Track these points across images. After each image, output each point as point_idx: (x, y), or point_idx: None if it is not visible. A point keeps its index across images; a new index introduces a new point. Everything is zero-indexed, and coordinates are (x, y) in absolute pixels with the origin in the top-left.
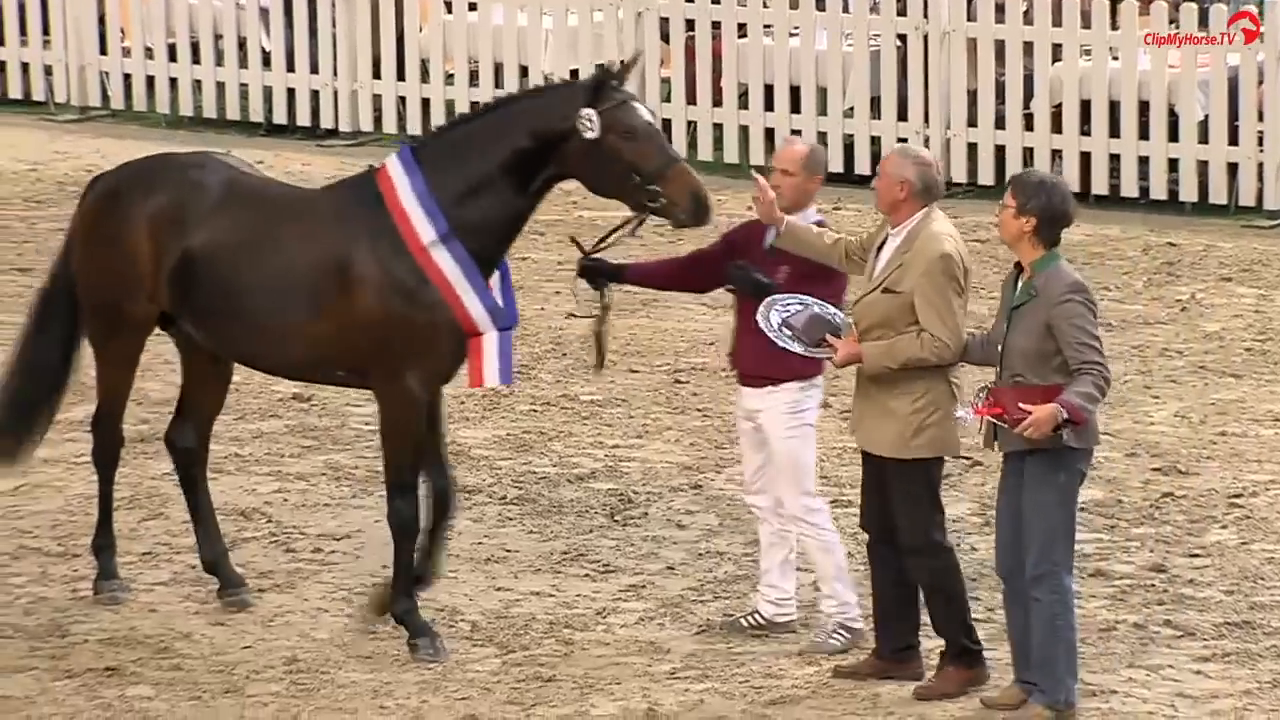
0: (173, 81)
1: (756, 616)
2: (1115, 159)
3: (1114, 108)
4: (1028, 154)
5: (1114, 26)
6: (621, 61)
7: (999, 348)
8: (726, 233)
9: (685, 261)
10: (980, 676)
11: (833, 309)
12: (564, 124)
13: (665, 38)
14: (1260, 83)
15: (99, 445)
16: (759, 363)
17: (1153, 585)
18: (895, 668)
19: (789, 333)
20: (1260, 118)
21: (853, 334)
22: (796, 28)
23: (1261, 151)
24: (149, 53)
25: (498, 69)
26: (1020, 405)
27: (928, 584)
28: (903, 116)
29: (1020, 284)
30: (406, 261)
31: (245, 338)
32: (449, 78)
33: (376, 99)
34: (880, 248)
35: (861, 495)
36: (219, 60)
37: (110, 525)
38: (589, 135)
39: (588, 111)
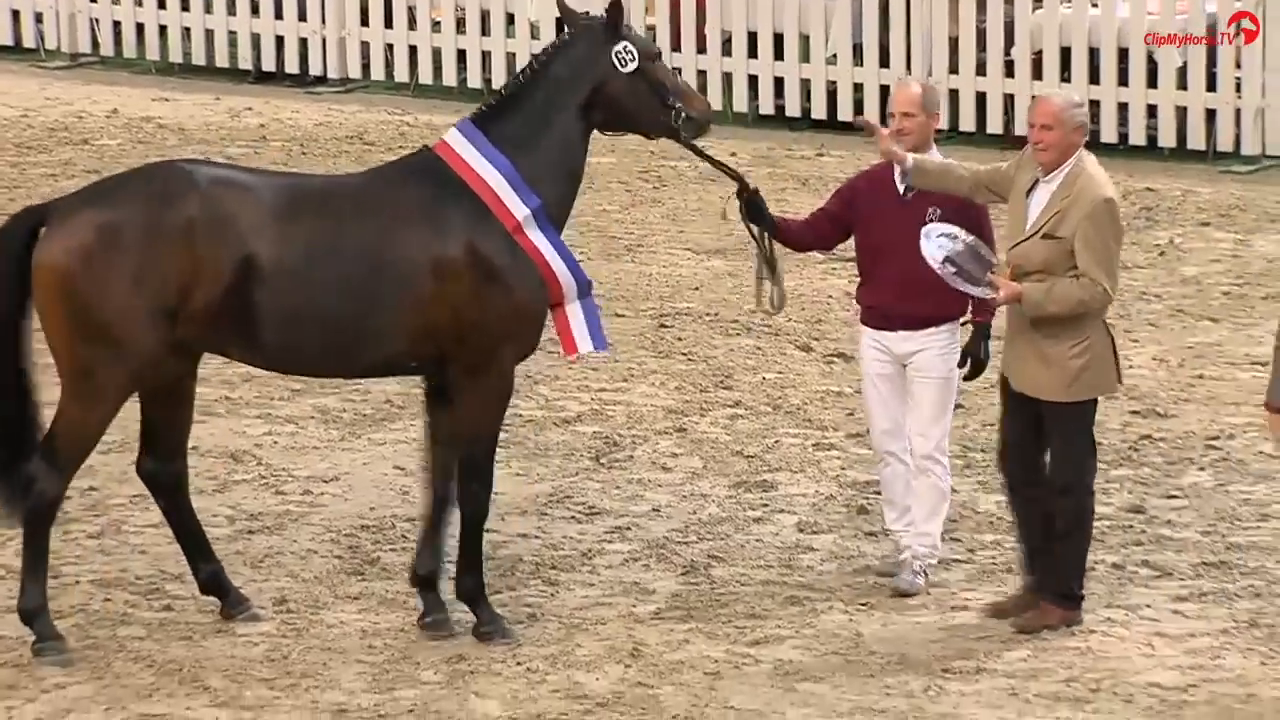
0: (162, 29)
1: (923, 564)
2: (1095, 105)
3: (1093, 54)
4: (1008, 100)
5: None
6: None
7: None
8: (848, 184)
9: (814, 220)
10: (1078, 619)
11: (981, 242)
12: (603, 66)
13: None
14: (1237, 31)
15: (48, 496)
16: (921, 304)
17: (1131, 526)
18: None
19: (952, 269)
20: (1237, 65)
21: (1005, 272)
22: None
23: (1239, 98)
24: (138, 0)
25: (484, 16)
26: None
27: (1068, 524)
28: (885, 63)
29: None
30: (504, 242)
31: (317, 346)
32: (435, 25)
33: (364, 46)
34: (1029, 192)
35: (1004, 439)
36: (208, 7)
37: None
38: (628, 68)
39: (623, 44)
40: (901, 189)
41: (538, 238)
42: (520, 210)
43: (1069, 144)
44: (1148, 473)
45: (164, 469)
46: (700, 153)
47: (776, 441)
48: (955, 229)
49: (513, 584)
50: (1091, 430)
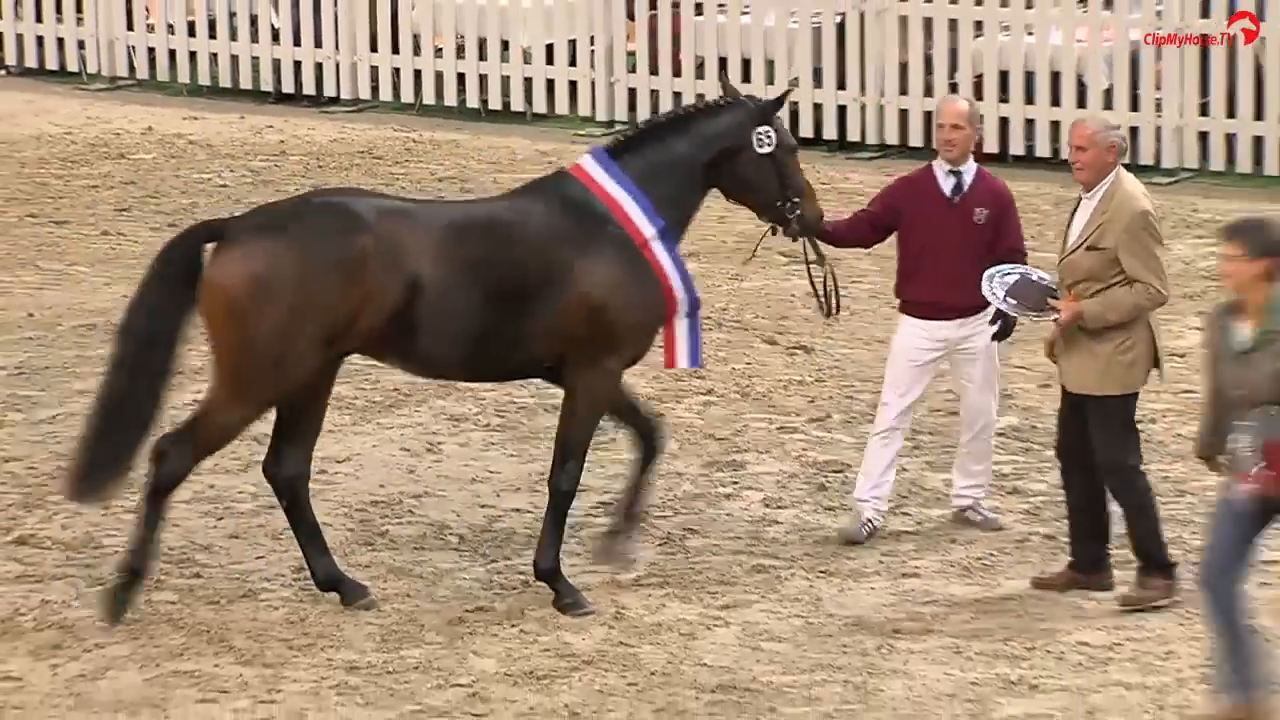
0: (192, 55)
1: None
2: (1030, 123)
3: (1029, 77)
4: None
5: (1029, 5)
6: (786, 91)
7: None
8: (890, 191)
9: (854, 222)
10: (1177, 587)
11: (1040, 272)
12: (740, 139)
13: (631, 15)
14: (1159, 57)
15: (176, 475)
16: (972, 294)
17: (1062, 501)
18: (1088, 579)
19: (1014, 301)
20: (1158, 87)
21: (1070, 294)
22: (747, 6)
23: (1159, 116)
24: (171, 29)
25: (481, 43)
26: None
27: (1126, 504)
28: (842, 85)
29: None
30: (635, 255)
31: (469, 354)
32: (438, 51)
33: (374, 70)
34: (1073, 213)
35: (1059, 426)
36: (233, 35)
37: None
38: (763, 150)
39: (766, 128)
40: (948, 191)
41: (663, 255)
42: (648, 229)
43: (1104, 164)
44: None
45: (290, 471)
46: (809, 251)
47: (744, 426)
48: (1010, 266)
49: (508, 554)
50: (1132, 418)
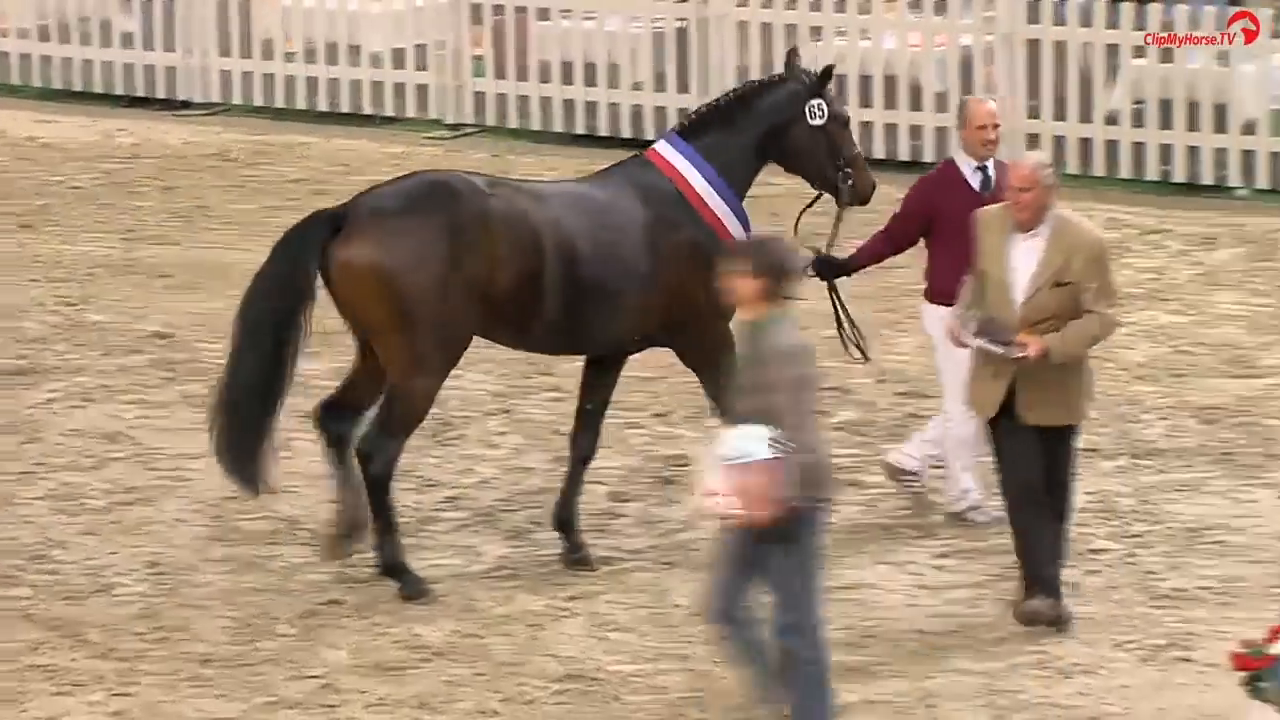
0: (46, 59)
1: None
2: (866, 126)
3: (865, 81)
4: None
5: (864, 11)
6: (831, 65)
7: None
8: (920, 188)
9: (888, 235)
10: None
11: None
12: (793, 111)
13: (478, 20)
14: (990, 61)
15: (387, 462)
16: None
17: (897, 492)
18: (1056, 603)
19: (984, 338)
20: (990, 91)
21: (1031, 330)
22: (591, 12)
23: None
24: (23, 33)
25: (331, 48)
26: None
27: (1063, 526)
28: (683, 89)
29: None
30: (710, 233)
31: (578, 327)
32: (289, 55)
33: (225, 74)
34: (1007, 249)
35: (1020, 465)
36: (85, 40)
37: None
38: (815, 122)
39: (818, 101)
40: (977, 186)
41: (735, 227)
42: (720, 206)
43: (1045, 203)
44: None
45: (348, 426)
46: (838, 220)
47: None
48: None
49: (360, 547)
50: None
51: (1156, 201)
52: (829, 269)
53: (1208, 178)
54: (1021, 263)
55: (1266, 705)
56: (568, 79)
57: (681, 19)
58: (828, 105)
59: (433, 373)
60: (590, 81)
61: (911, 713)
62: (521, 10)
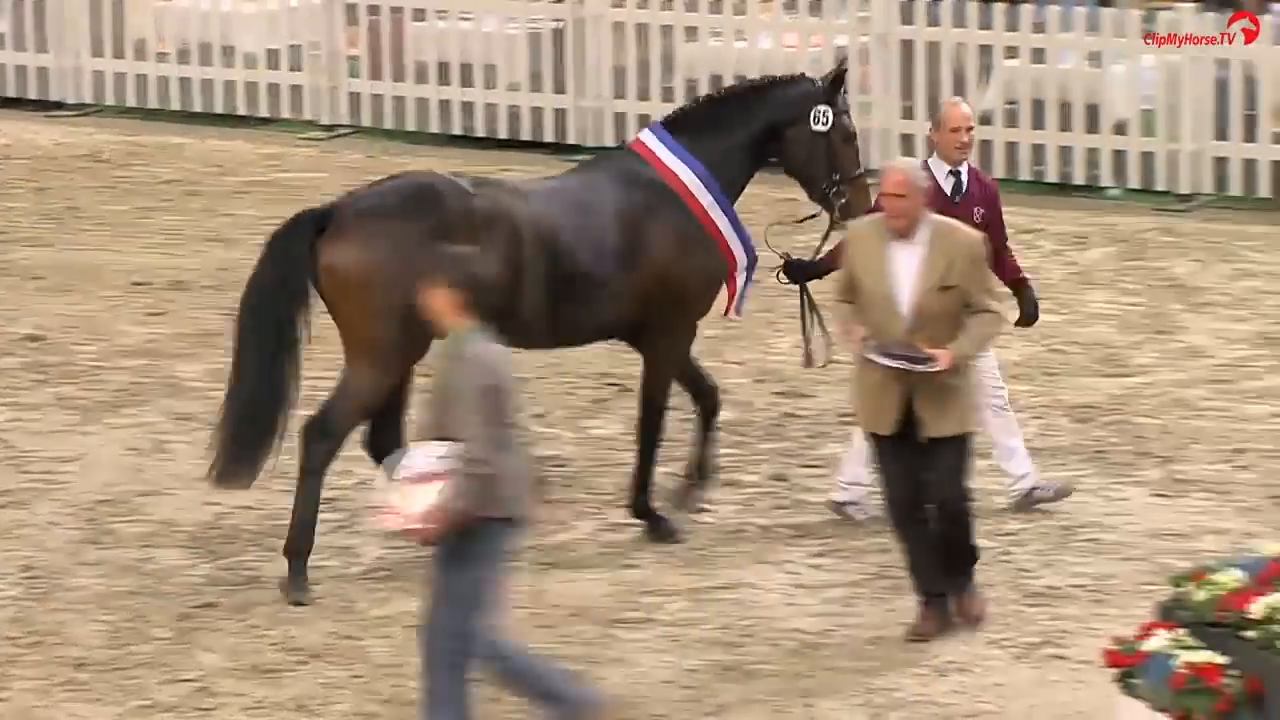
0: None
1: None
2: None
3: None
4: None
5: (739, 12)
6: (842, 70)
7: None
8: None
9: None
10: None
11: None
12: (795, 112)
13: (353, 21)
14: (865, 62)
15: (328, 450)
16: None
17: (775, 492)
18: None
19: (891, 356)
20: (864, 91)
21: (924, 340)
22: (467, 12)
23: (868, 119)
24: None
25: (205, 48)
26: None
27: (961, 540)
28: (559, 90)
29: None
30: (694, 224)
31: (564, 316)
32: (162, 56)
33: (98, 75)
34: (885, 257)
35: (900, 481)
36: None
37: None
38: (818, 127)
39: (825, 108)
40: (949, 191)
41: (720, 219)
42: (705, 197)
43: (920, 209)
44: (790, 445)
45: (389, 444)
46: (826, 235)
47: None
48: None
49: (236, 550)
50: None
51: (1029, 201)
52: (799, 272)
53: (1080, 177)
54: (903, 271)
55: (1138, 702)
56: (443, 80)
57: (557, 20)
58: (836, 115)
59: (393, 371)
60: (466, 82)
61: (789, 711)
62: (397, 11)
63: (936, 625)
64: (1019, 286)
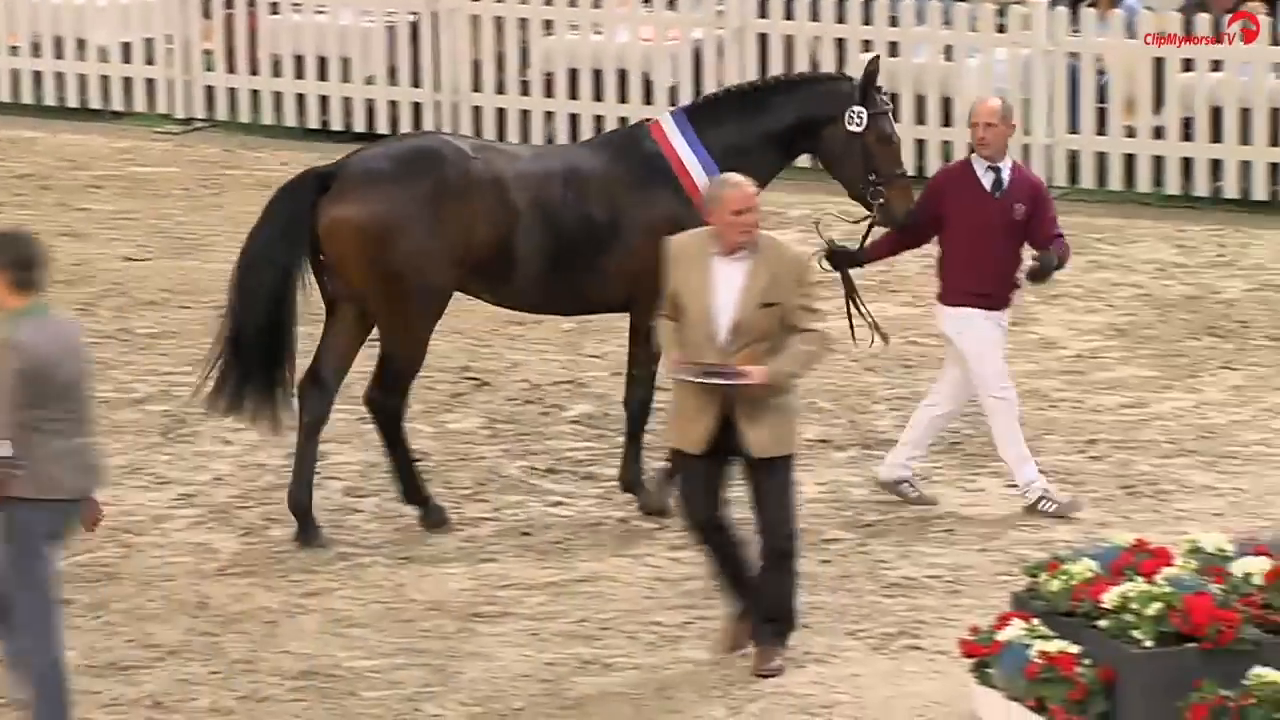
0: None
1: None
2: (599, 119)
3: (598, 75)
4: (524, 115)
5: (596, 5)
6: (874, 68)
7: None
8: (933, 184)
9: (887, 238)
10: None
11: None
12: (831, 112)
13: (207, 14)
14: (720, 54)
15: (393, 411)
16: (1009, 284)
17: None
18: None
19: (704, 375)
20: (720, 85)
21: (744, 356)
22: (323, 5)
23: None
24: None
25: (58, 41)
26: None
27: (783, 593)
28: (416, 83)
29: None
30: (693, 210)
31: (556, 286)
32: (14, 49)
33: None
34: (707, 273)
35: (703, 497)
36: None
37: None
38: (852, 128)
39: (860, 109)
40: (989, 187)
41: None
42: (703, 181)
43: (759, 224)
44: (649, 439)
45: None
46: (867, 233)
47: None
48: None
49: (91, 547)
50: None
51: None
52: (842, 260)
53: (934, 170)
54: (726, 287)
55: (994, 691)
56: (299, 73)
57: (413, 13)
58: (873, 118)
59: (420, 326)
60: (322, 76)
61: (647, 704)
62: (252, 4)
63: (741, 639)
64: (1047, 248)
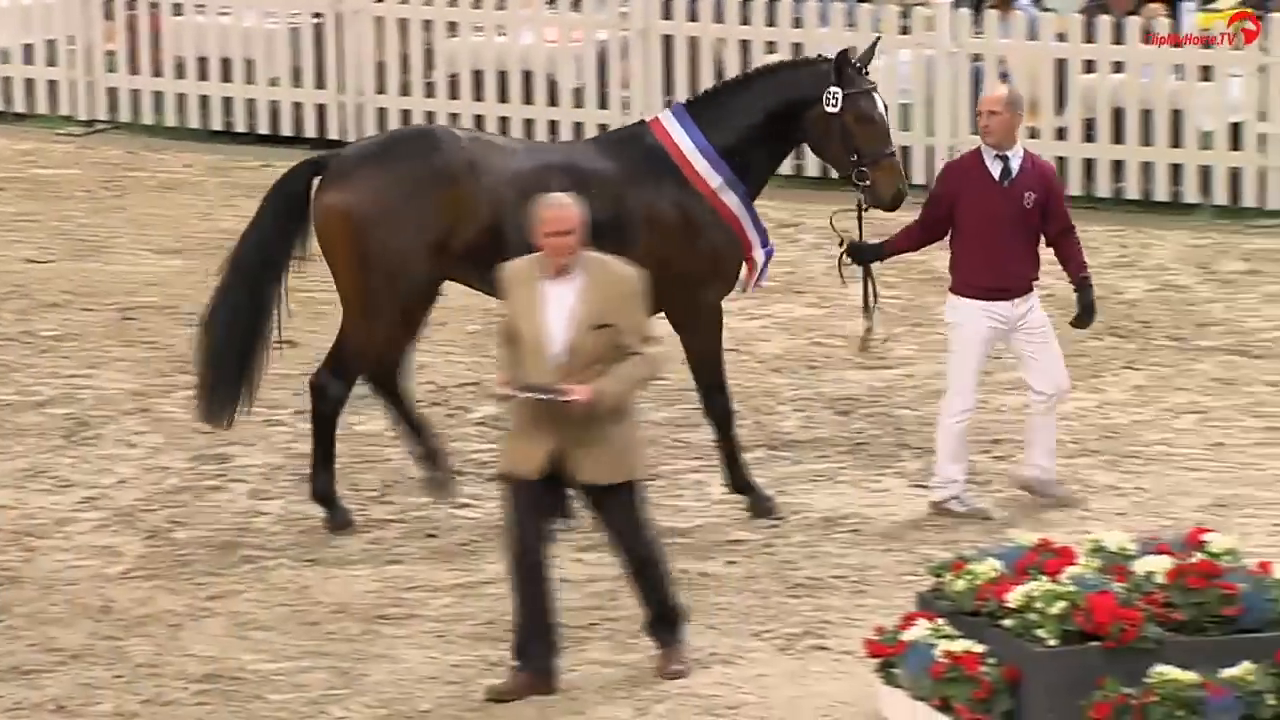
0: None
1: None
2: (504, 121)
3: (502, 76)
4: (428, 116)
5: (500, 6)
6: (872, 46)
7: None
8: (944, 174)
9: (920, 222)
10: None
11: None
12: (811, 94)
13: (109, 15)
14: (624, 56)
15: (335, 400)
16: (1022, 275)
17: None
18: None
19: (528, 391)
20: (625, 86)
21: (574, 379)
22: (226, 7)
23: (625, 112)
24: None
25: None
26: None
27: (659, 593)
28: (320, 85)
29: None
30: (700, 203)
31: None
32: None
33: None
34: (537, 295)
35: (523, 526)
36: None
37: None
38: (830, 109)
39: (835, 89)
40: (997, 175)
41: (730, 200)
42: (714, 179)
43: (581, 245)
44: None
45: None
46: (858, 216)
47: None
48: None
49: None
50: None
51: (789, 195)
52: (863, 254)
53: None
54: (557, 310)
55: (899, 691)
56: (203, 74)
57: (317, 14)
58: (848, 96)
59: (390, 318)
60: (226, 77)
61: (553, 705)
62: (155, 5)
63: (519, 688)
64: (1080, 286)
